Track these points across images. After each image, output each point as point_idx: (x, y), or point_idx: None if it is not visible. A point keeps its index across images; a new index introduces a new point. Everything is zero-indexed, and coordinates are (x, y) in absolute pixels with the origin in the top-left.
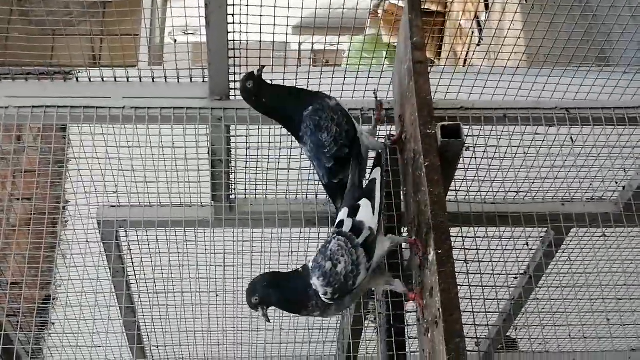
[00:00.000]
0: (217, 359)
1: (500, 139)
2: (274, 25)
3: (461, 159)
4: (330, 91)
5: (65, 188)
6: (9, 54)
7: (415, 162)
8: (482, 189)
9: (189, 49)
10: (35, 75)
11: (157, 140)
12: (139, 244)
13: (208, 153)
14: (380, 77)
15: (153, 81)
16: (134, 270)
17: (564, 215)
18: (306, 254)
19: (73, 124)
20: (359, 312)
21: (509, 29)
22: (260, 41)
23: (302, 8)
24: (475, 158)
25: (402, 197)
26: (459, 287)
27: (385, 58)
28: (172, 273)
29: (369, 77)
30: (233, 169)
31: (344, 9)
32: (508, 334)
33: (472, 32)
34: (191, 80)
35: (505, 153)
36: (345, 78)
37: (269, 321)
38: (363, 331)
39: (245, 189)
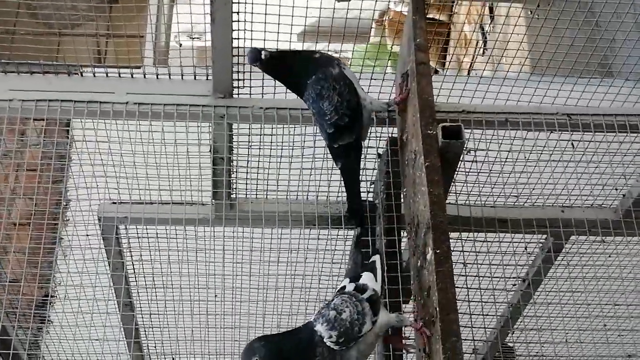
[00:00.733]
0: (213, 355)
1: (501, 143)
2: (278, 32)
3: (462, 163)
4: None
5: (67, 184)
6: (14, 48)
7: (416, 162)
8: (482, 193)
9: (193, 54)
10: (40, 70)
11: (159, 137)
12: (139, 241)
13: (210, 150)
14: (383, 80)
15: (157, 78)
16: (133, 267)
17: (564, 222)
18: (305, 253)
19: (76, 118)
20: None
21: (511, 34)
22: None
23: (306, 17)
24: (476, 162)
25: (402, 198)
26: (457, 290)
27: (388, 66)
28: (171, 269)
29: (371, 80)
30: (234, 167)
31: (347, 18)
32: (505, 341)
33: (477, 42)
34: (195, 77)
35: (507, 158)
36: None
37: None
38: None
39: (247, 188)
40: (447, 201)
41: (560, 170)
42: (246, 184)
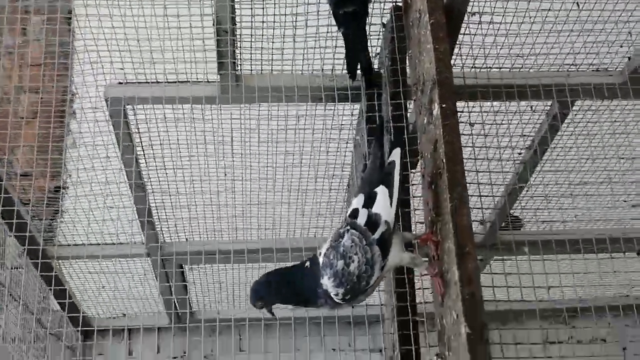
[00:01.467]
0: (226, 231)
1: (506, 7)
2: None
3: (467, 28)
4: None
5: (73, 66)
6: None
7: (421, 21)
8: (488, 58)
9: None
10: None
11: (162, 12)
12: (147, 122)
13: (213, 24)
14: None
15: None
16: (142, 148)
17: (570, 87)
18: (312, 129)
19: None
20: None
21: None
22: None
23: None
24: (481, 23)
25: (407, 61)
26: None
27: None
28: (180, 149)
29: None
30: (238, 38)
31: None
32: (512, 211)
33: None
34: None
35: (513, 18)
36: None
37: (274, 316)
38: None
39: (251, 62)
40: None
41: (567, 30)
42: (251, 57)
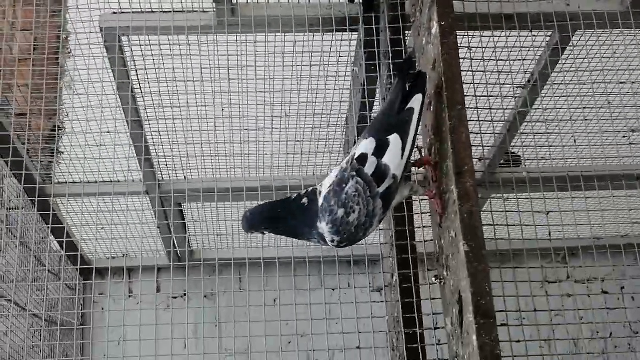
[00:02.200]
0: (224, 170)
1: None
2: None
3: None
4: None
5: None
6: None
7: None
8: None
9: None
10: None
11: None
12: (142, 55)
13: None
14: None
15: None
16: (138, 79)
17: (570, 15)
18: (310, 56)
19: None
20: None
21: None
22: None
23: None
24: None
25: None
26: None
27: None
28: (177, 84)
29: None
30: None
31: None
32: (511, 148)
33: None
34: None
35: None
36: None
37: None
38: None
39: None
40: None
41: None
42: None
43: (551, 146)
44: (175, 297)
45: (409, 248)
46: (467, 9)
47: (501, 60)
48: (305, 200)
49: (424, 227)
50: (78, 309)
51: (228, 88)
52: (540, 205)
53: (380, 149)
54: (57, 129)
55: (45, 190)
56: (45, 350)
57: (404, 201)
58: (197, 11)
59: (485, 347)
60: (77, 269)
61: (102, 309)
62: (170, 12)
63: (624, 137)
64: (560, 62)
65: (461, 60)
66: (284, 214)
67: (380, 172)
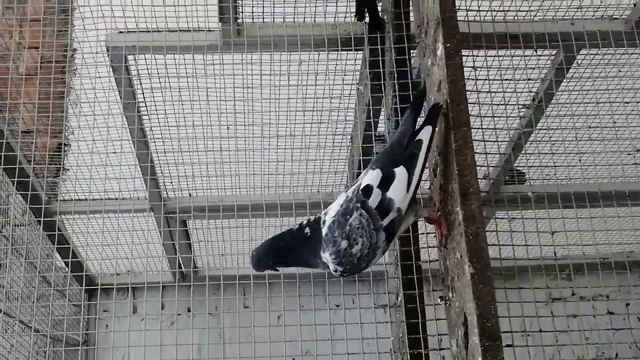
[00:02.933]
0: (229, 188)
1: None
2: None
3: None
4: None
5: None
6: None
7: None
8: (492, 7)
9: None
10: None
11: None
12: (148, 74)
13: None
14: None
15: None
16: (144, 98)
17: (575, 35)
18: (315, 76)
19: None
20: None
21: None
22: None
23: None
24: None
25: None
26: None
27: None
28: (182, 104)
29: None
30: None
31: None
32: (516, 166)
33: None
34: None
35: None
36: None
37: (278, 271)
38: None
39: (253, 11)
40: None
41: None
42: (252, 5)
43: (556, 166)
44: (179, 315)
45: (414, 268)
46: (472, 28)
47: (506, 80)
48: (307, 230)
49: (429, 247)
50: (83, 326)
51: (234, 107)
52: (546, 225)
53: (386, 182)
54: (62, 146)
55: (50, 207)
56: None
57: None
58: (203, 30)
59: None
60: (82, 287)
61: (106, 326)
62: (177, 31)
63: (629, 154)
64: (564, 80)
65: (466, 80)
66: (289, 246)
67: (384, 206)
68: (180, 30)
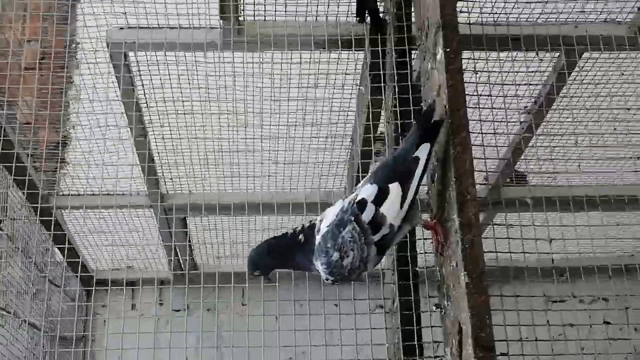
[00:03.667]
0: (228, 178)
1: None
2: None
3: None
4: None
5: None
6: None
7: None
8: (495, 9)
9: None
10: None
11: None
12: (148, 68)
13: None
14: None
15: None
16: (145, 95)
17: (577, 38)
18: (316, 77)
19: None
20: None
21: None
22: None
23: None
24: None
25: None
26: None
27: None
28: (182, 94)
29: None
30: None
31: None
32: (517, 167)
33: None
34: None
35: None
36: None
37: (271, 281)
38: None
39: (255, 10)
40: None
41: None
42: (254, 3)
43: (556, 173)
44: (177, 311)
45: (410, 274)
46: (473, 30)
47: (507, 84)
48: (301, 237)
49: (425, 252)
50: (80, 321)
51: (233, 106)
52: (544, 231)
53: (380, 197)
54: (60, 142)
55: (49, 201)
56: None
57: None
58: (204, 28)
59: None
60: (79, 279)
61: (104, 322)
62: (177, 28)
63: (630, 158)
64: (566, 86)
65: (466, 84)
66: (284, 249)
67: (377, 221)
68: (180, 28)
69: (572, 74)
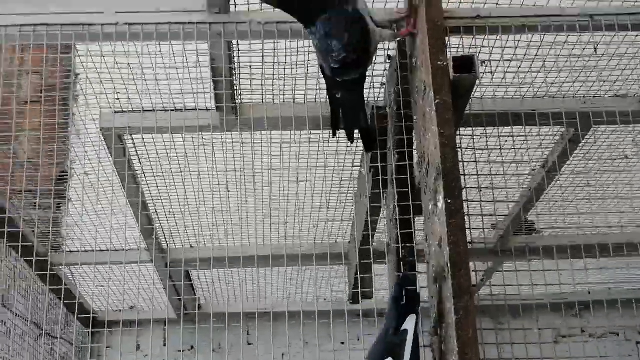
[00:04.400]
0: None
1: (517, 47)
2: None
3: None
4: None
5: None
6: None
7: (426, 95)
8: (497, 93)
9: None
10: None
11: (157, 52)
12: (145, 148)
13: (209, 68)
14: None
15: None
16: (143, 172)
17: (584, 114)
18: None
19: (65, 42)
20: None
21: None
22: None
23: None
24: (492, 72)
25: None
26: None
27: None
28: (182, 169)
29: None
30: (236, 76)
31: None
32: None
33: None
34: None
35: (524, 57)
36: None
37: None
38: None
39: (251, 93)
40: None
41: (582, 65)
42: (250, 94)
43: (567, 227)
44: (183, 351)
45: None
46: (473, 106)
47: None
48: None
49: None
50: None
51: (227, 191)
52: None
53: None
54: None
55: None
56: None
57: None
58: (196, 110)
59: None
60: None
61: None
62: (173, 110)
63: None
64: (574, 154)
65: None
66: None
67: None
68: (172, 110)
69: (580, 146)
